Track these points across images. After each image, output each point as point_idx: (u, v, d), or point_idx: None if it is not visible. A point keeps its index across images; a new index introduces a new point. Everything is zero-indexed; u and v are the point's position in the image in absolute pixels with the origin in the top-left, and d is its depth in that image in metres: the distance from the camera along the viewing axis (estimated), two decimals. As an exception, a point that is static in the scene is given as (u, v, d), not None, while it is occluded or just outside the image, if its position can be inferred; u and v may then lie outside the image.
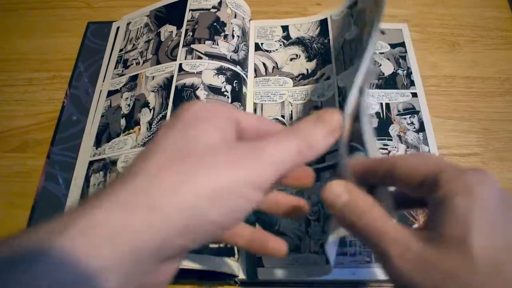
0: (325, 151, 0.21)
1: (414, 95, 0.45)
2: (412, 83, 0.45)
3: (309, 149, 0.20)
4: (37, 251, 0.15)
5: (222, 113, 0.21)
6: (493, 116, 0.45)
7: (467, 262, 0.16)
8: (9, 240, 0.16)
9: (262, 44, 0.48)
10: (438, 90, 0.46)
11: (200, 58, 0.42)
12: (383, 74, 0.46)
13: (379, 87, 0.45)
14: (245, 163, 0.19)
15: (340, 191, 0.20)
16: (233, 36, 0.45)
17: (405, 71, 0.46)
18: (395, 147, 0.41)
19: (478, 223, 0.17)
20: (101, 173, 0.39)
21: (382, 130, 0.42)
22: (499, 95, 0.46)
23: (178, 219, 0.17)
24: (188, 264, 0.32)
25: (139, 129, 0.40)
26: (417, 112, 0.43)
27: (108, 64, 0.47)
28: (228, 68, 0.42)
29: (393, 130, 0.42)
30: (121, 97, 0.44)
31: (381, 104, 0.44)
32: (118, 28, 0.50)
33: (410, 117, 0.43)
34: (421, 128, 0.42)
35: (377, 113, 0.43)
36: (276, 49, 0.47)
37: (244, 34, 0.47)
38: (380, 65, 0.47)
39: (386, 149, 0.41)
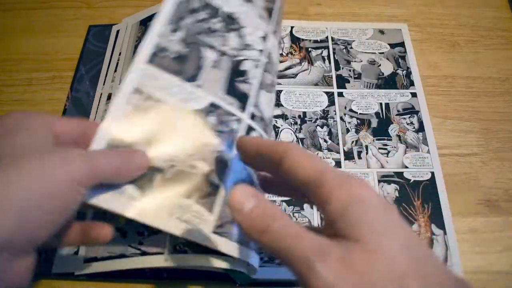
0: (132, 178, 0.26)
1: (414, 95, 0.45)
2: (411, 83, 0.45)
3: (126, 171, 0.25)
4: None
5: (37, 120, 0.24)
6: (493, 116, 0.45)
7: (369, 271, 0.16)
8: None
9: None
10: (438, 90, 0.46)
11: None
12: (383, 74, 0.46)
13: (378, 87, 0.45)
14: (67, 163, 0.22)
15: (245, 198, 0.19)
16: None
17: (405, 71, 0.46)
18: (395, 147, 0.41)
19: (372, 225, 0.17)
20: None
21: (382, 130, 0.42)
22: (499, 95, 0.46)
23: (11, 220, 0.20)
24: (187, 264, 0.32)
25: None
26: (417, 112, 0.43)
27: (108, 67, 0.47)
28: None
29: (393, 130, 0.42)
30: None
31: (381, 104, 0.44)
32: (118, 31, 0.50)
33: (409, 117, 0.43)
34: (421, 128, 0.42)
35: (377, 113, 0.43)
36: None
37: None
38: (380, 65, 0.47)
39: (386, 149, 0.41)
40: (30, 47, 0.51)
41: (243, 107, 0.32)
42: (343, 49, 0.48)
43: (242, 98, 0.33)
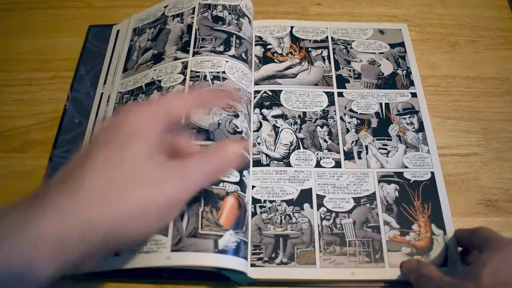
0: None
1: (414, 95, 0.45)
2: (411, 83, 0.45)
3: (221, 169, 0.29)
4: None
5: (154, 127, 0.25)
6: (493, 116, 0.45)
7: None
8: None
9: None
10: (438, 90, 0.46)
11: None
12: (383, 74, 0.46)
13: (378, 87, 0.45)
14: (168, 183, 0.24)
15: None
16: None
17: (405, 71, 0.46)
18: (395, 147, 0.41)
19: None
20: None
21: (382, 130, 0.42)
22: (499, 95, 0.46)
23: (101, 227, 0.21)
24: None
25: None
26: (417, 112, 0.43)
27: (108, 67, 0.47)
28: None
29: (393, 130, 0.42)
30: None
31: (381, 104, 0.44)
32: (118, 31, 0.50)
33: (409, 117, 0.43)
34: (421, 128, 0.42)
35: (377, 113, 0.43)
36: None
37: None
38: (380, 65, 0.47)
39: (386, 149, 0.41)
40: (30, 47, 0.51)
41: None
42: (343, 49, 0.48)
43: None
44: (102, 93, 0.45)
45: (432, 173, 0.40)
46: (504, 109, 0.45)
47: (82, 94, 0.46)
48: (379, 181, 0.39)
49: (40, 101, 0.47)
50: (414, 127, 0.42)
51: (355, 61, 0.47)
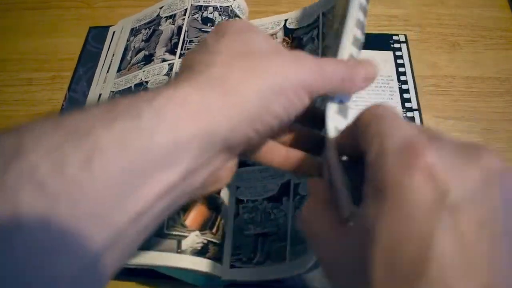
0: (359, 91, 0.23)
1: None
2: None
3: (350, 82, 0.22)
4: (134, 112, 0.16)
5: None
6: (493, 116, 0.45)
7: None
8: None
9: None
10: (437, 90, 0.46)
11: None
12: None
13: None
14: (301, 65, 0.20)
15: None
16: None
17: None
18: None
19: None
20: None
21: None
22: (499, 95, 0.46)
23: (251, 106, 0.18)
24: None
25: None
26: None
27: (102, 67, 0.47)
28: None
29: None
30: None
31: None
32: (114, 32, 0.50)
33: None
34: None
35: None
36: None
37: None
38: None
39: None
40: (30, 47, 0.51)
41: None
42: (331, 18, 0.44)
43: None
44: (100, 94, 0.45)
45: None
46: (504, 109, 0.45)
47: (79, 94, 0.46)
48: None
49: (40, 101, 0.47)
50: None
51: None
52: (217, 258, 0.33)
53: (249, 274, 0.33)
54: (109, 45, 0.49)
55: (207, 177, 0.20)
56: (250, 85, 0.19)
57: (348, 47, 0.25)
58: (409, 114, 0.43)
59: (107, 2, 0.54)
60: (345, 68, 0.22)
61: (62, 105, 0.46)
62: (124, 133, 0.15)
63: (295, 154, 0.26)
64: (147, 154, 0.16)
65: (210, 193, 0.22)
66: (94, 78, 0.47)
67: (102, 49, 0.49)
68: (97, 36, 0.51)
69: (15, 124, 0.16)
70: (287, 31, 0.47)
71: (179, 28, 0.45)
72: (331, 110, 0.23)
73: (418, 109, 0.44)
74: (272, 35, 0.48)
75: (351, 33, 0.25)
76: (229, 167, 0.22)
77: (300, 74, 0.20)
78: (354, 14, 0.26)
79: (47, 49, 0.50)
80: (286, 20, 0.48)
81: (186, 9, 0.46)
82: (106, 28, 0.51)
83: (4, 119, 0.46)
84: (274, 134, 0.23)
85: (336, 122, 0.23)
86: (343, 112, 0.23)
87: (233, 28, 0.21)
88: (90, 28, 0.51)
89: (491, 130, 0.44)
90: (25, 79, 0.48)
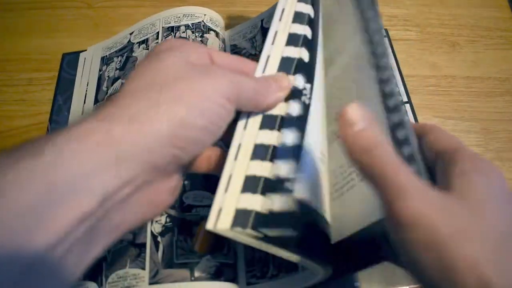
0: (272, 105, 0.25)
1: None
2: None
3: (262, 95, 0.24)
4: (36, 152, 0.17)
5: (194, 47, 0.24)
6: (493, 116, 0.45)
7: (482, 224, 0.17)
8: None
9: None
10: (438, 90, 0.46)
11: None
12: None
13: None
14: (213, 78, 0.21)
15: (359, 117, 0.18)
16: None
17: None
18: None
19: (492, 202, 0.18)
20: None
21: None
22: (499, 95, 0.46)
23: (165, 128, 0.19)
24: None
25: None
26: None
27: (78, 99, 0.45)
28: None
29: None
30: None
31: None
32: (85, 59, 0.48)
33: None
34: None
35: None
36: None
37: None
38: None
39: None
40: (30, 47, 0.51)
41: None
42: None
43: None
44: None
45: (432, 173, 0.39)
46: (504, 109, 0.45)
47: (62, 124, 0.44)
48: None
49: (40, 101, 0.46)
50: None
51: None
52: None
53: None
54: (82, 72, 0.47)
55: (143, 201, 0.20)
56: (156, 110, 0.19)
57: (268, 64, 0.26)
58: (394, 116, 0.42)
59: (107, 2, 0.54)
60: (256, 81, 0.24)
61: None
62: (26, 172, 0.16)
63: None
64: (53, 188, 0.16)
65: (155, 218, 0.23)
66: (71, 109, 0.45)
67: (76, 76, 0.47)
68: (70, 63, 0.48)
69: None
70: (264, 31, 0.45)
71: None
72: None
73: (409, 102, 0.44)
74: (251, 39, 0.46)
75: (280, 51, 0.27)
76: (167, 190, 0.22)
77: (213, 85, 0.21)
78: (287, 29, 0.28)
79: (47, 49, 0.50)
80: (262, 21, 0.46)
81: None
82: (78, 53, 0.49)
83: (4, 119, 0.45)
84: (214, 142, 0.23)
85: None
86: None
87: (153, 52, 0.23)
88: (64, 54, 0.49)
89: (491, 130, 0.44)
90: (25, 79, 0.48)
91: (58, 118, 0.44)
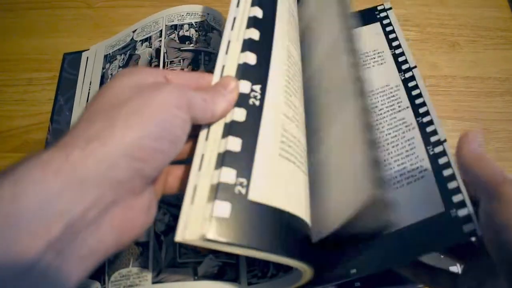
0: (225, 109, 0.25)
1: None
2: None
3: (211, 103, 0.24)
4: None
5: (149, 71, 0.24)
6: (493, 116, 0.45)
7: None
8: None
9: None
10: (437, 90, 0.46)
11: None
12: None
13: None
14: (162, 92, 0.22)
15: (476, 138, 0.25)
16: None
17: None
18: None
19: None
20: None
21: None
22: (499, 95, 0.46)
23: (123, 141, 0.20)
24: None
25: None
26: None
27: (80, 98, 0.45)
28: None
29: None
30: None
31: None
32: (87, 58, 0.48)
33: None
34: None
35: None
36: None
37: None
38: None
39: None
40: (30, 47, 0.51)
41: None
42: None
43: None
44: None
45: (432, 173, 0.39)
46: (504, 109, 0.45)
47: (63, 124, 0.44)
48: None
49: (40, 101, 0.47)
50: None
51: None
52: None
53: None
54: (84, 71, 0.47)
55: (117, 222, 0.21)
56: (112, 127, 0.20)
57: (223, 74, 0.26)
58: (408, 74, 0.40)
59: (107, 2, 0.54)
60: (204, 91, 0.24)
61: (46, 138, 0.43)
62: None
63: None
64: (16, 219, 0.17)
65: (133, 240, 0.22)
66: (73, 109, 0.44)
67: (78, 75, 0.47)
68: (72, 62, 0.48)
69: None
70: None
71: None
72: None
73: (415, 66, 0.42)
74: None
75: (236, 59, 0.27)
76: (140, 209, 0.22)
77: (163, 97, 0.22)
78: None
79: (47, 49, 0.50)
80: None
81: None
82: (80, 53, 0.49)
83: (4, 119, 0.46)
84: (176, 154, 0.23)
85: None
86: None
87: (109, 81, 0.23)
88: (65, 54, 0.49)
89: (491, 130, 0.44)
90: (25, 79, 0.48)
91: (59, 118, 0.44)
